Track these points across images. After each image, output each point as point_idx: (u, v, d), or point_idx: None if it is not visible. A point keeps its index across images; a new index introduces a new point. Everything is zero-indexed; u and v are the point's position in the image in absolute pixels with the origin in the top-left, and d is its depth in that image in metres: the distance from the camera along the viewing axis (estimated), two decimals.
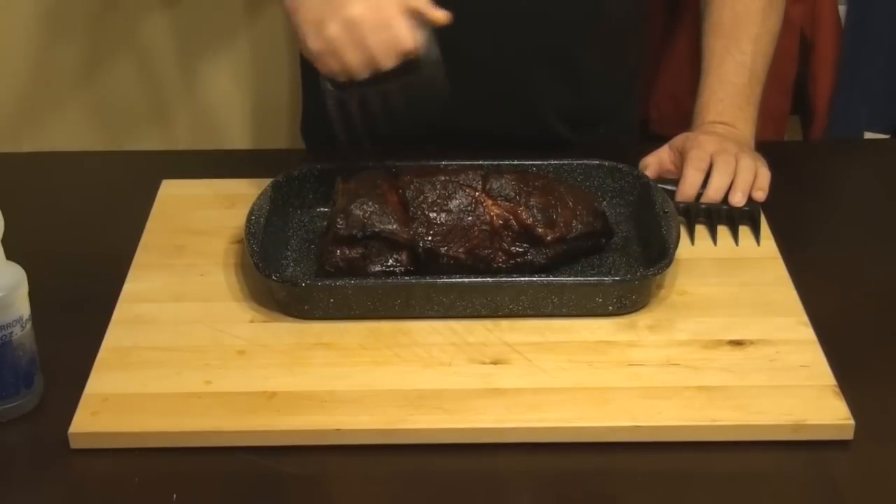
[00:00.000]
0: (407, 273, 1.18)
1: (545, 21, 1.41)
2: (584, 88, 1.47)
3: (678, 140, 1.34)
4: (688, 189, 1.29)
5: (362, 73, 1.17)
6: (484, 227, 1.19)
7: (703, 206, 1.28)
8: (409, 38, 1.16)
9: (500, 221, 1.19)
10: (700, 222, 1.28)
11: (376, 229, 1.17)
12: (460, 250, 1.18)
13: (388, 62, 1.16)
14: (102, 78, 2.03)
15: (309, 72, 1.61)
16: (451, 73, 1.19)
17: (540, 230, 1.20)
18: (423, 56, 1.17)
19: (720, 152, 1.30)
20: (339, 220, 1.18)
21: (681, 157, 1.32)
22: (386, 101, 1.19)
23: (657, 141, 1.37)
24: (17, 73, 2.02)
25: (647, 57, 1.61)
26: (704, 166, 1.29)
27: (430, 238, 1.18)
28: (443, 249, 1.18)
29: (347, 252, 1.17)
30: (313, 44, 1.17)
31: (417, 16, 1.17)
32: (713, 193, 1.28)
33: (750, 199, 1.28)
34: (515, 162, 1.30)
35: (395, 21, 1.15)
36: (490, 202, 1.20)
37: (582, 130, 1.50)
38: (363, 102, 1.19)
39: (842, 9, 1.84)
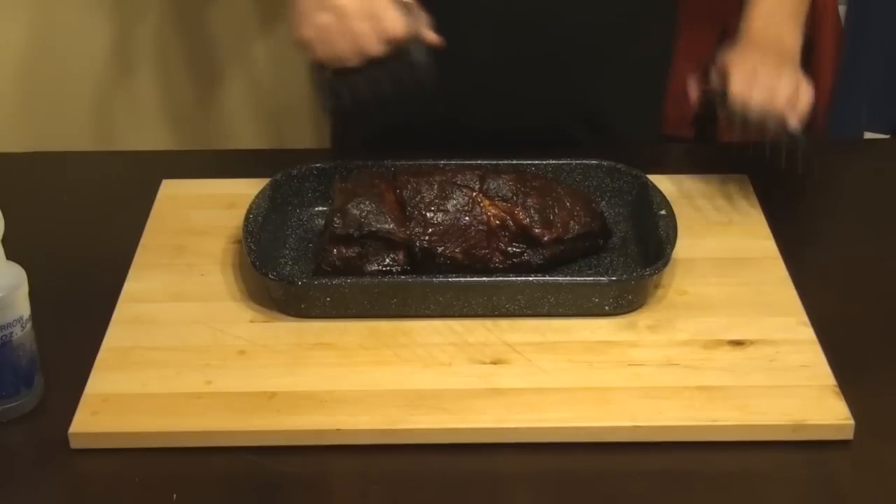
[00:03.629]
0: (403, 273, 1.18)
1: (548, 19, 1.40)
2: (589, 89, 1.47)
3: (721, 57, 1.32)
4: (739, 87, 1.26)
5: (352, 60, 1.18)
6: (481, 227, 1.19)
7: (753, 119, 1.25)
8: (396, 25, 1.17)
9: (497, 222, 1.19)
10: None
11: (373, 228, 1.17)
12: (457, 250, 1.18)
13: (375, 49, 1.18)
14: (102, 78, 2.03)
15: None
16: (458, 71, 1.19)
17: (537, 230, 1.19)
18: (411, 42, 1.18)
19: (762, 66, 1.28)
20: (335, 219, 1.18)
21: (722, 77, 1.30)
22: (376, 86, 1.20)
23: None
24: (18, 73, 2.02)
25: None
26: (749, 74, 1.27)
27: (426, 238, 1.18)
28: (439, 249, 1.18)
29: (344, 251, 1.17)
30: (305, 31, 1.19)
31: (404, 3, 1.19)
32: (758, 97, 1.26)
33: (790, 133, 1.26)
34: (514, 162, 1.30)
35: (382, 9, 1.17)
36: (487, 202, 1.20)
37: (594, 132, 1.49)
38: (353, 87, 1.20)
39: (842, 9, 1.84)
